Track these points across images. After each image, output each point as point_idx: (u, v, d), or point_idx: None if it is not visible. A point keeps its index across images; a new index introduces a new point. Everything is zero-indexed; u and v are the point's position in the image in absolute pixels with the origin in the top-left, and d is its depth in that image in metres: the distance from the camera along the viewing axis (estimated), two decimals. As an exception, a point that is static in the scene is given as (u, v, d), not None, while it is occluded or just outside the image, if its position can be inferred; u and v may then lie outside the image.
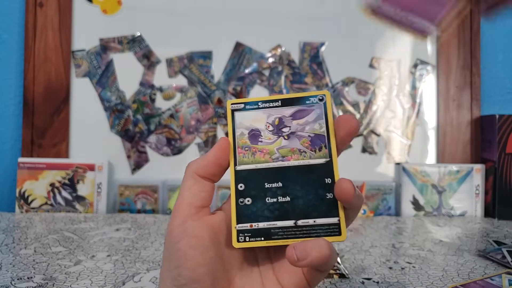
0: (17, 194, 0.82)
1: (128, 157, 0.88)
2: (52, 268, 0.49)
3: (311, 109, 0.32)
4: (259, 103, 0.33)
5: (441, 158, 0.88)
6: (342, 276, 0.47)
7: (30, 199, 0.82)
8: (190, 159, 1.00)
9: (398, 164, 0.87)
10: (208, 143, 0.88)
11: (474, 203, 0.83)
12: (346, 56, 0.90)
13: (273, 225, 0.30)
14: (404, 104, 0.90)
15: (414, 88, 0.90)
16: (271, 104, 0.32)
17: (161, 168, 0.87)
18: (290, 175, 0.31)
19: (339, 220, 0.29)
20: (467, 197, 0.84)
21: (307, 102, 0.32)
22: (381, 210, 0.85)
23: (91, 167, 0.83)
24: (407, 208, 0.84)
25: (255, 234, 0.30)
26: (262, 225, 0.30)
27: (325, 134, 0.31)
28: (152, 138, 0.88)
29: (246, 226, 0.30)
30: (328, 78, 0.90)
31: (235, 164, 0.31)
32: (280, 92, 0.89)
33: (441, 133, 0.89)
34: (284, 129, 0.32)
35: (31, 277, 0.46)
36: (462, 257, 0.55)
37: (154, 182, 0.85)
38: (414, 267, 0.51)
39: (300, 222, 0.29)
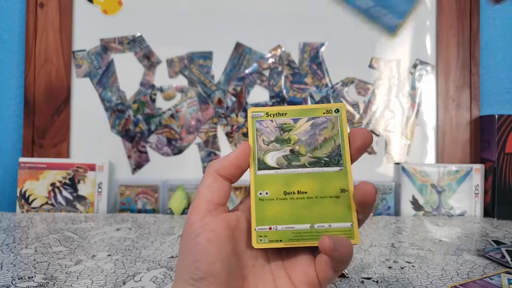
0: (18, 194, 0.82)
1: (129, 157, 0.88)
2: (52, 267, 0.50)
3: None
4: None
5: (441, 158, 0.88)
6: (341, 275, 0.48)
7: (30, 199, 0.82)
8: (191, 159, 0.99)
9: (397, 164, 0.87)
10: (208, 143, 0.88)
11: (473, 203, 0.84)
12: (345, 56, 0.90)
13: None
14: (404, 104, 0.90)
15: (413, 88, 0.90)
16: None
17: (162, 168, 0.88)
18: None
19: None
20: (466, 197, 0.84)
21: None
22: (380, 210, 0.85)
23: (92, 167, 0.83)
24: (406, 207, 0.84)
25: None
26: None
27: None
28: (153, 138, 0.88)
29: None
30: (328, 78, 0.90)
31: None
32: (280, 92, 0.89)
33: (440, 133, 0.89)
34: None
35: (32, 277, 0.46)
36: (461, 257, 0.55)
37: (155, 182, 0.85)
38: (413, 266, 0.51)
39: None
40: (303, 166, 0.33)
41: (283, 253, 0.33)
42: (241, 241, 0.32)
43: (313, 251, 0.32)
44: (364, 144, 0.32)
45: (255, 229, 0.31)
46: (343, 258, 0.29)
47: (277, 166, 0.33)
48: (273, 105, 0.89)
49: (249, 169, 0.33)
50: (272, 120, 0.34)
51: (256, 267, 0.32)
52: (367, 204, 0.30)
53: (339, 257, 0.29)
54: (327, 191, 0.32)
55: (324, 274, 0.30)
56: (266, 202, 0.32)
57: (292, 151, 0.33)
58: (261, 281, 0.31)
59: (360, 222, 0.32)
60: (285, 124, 0.34)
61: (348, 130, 0.33)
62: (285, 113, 0.34)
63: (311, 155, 0.33)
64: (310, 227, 0.31)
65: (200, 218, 0.30)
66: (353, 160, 0.33)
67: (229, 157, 0.32)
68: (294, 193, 0.32)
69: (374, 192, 0.30)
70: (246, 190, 0.84)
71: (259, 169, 0.33)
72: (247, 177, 0.33)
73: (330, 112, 0.34)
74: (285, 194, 0.32)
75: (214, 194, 0.31)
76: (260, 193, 0.32)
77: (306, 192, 0.32)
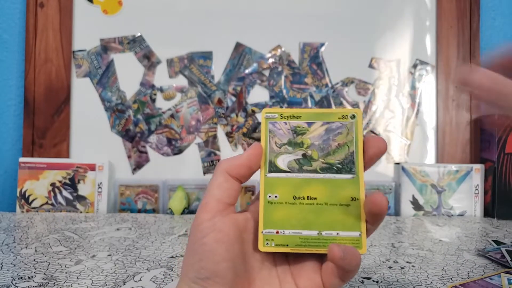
0: (18, 194, 0.82)
1: (129, 157, 0.88)
2: (52, 267, 0.50)
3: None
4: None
5: (441, 158, 0.88)
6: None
7: (30, 198, 0.82)
8: (191, 159, 0.99)
9: (397, 164, 0.87)
10: (208, 143, 0.88)
11: (473, 203, 0.84)
12: (345, 56, 0.90)
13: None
14: (404, 104, 0.90)
15: (413, 88, 0.90)
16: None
17: (162, 168, 0.88)
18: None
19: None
20: (466, 197, 0.84)
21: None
22: (380, 210, 0.85)
23: (92, 167, 0.83)
24: (406, 207, 0.84)
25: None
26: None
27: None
28: (153, 138, 0.88)
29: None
30: (328, 78, 0.90)
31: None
32: (280, 92, 0.89)
33: (440, 133, 0.89)
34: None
35: (32, 277, 0.46)
36: (461, 257, 0.55)
37: (155, 182, 0.85)
38: (413, 266, 0.51)
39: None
40: (315, 171, 0.32)
41: (290, 258, 0.32)
42: (248, 243, 0.32)
43: (320, 258, 0.32)
44: (378, 152, 0.32)
45: (262, 232, 0.31)
46: (351, 268, 0.29)
47: (288, 170, 0.32)
48: (273, 105, 0.89)
49: (259, 170, 0.33)
50: (285, 122, 0.34)
51: (263, 270, 0.32)
52: (377, 215, 0.30)
53: (347, 266, 0.29)
54: (338, 199, 0.31)
55: (330, 282, 0.30)
56: (274, 206, 0.32)
57: (304, 155, 0.33)
58: (267, 285, 0.31)
59: (369, 232, 0.31)
60: (299, 127, 0.33)
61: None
62: (300, 116, 0.34)
63: (323, 160, 0.32)
64: (318, 234, 0.31)
65: (210, 218, 0.30)
66: (365, 168, 0.32)
67: (240, 157, 0.32)
68: (303, 198, 0.32)
69: (385, 204, 0.29)
70: (250, 191, 0.84)
71: (270, 171, 0.32)
72: (252, 178, 0.33)
73: (346, 117, 0.33)
74: (294, 199, 0.32)
75: (224, 193, 0.31)
76: (269, 196, 0.32)
77: (316, 198, 0.32)
